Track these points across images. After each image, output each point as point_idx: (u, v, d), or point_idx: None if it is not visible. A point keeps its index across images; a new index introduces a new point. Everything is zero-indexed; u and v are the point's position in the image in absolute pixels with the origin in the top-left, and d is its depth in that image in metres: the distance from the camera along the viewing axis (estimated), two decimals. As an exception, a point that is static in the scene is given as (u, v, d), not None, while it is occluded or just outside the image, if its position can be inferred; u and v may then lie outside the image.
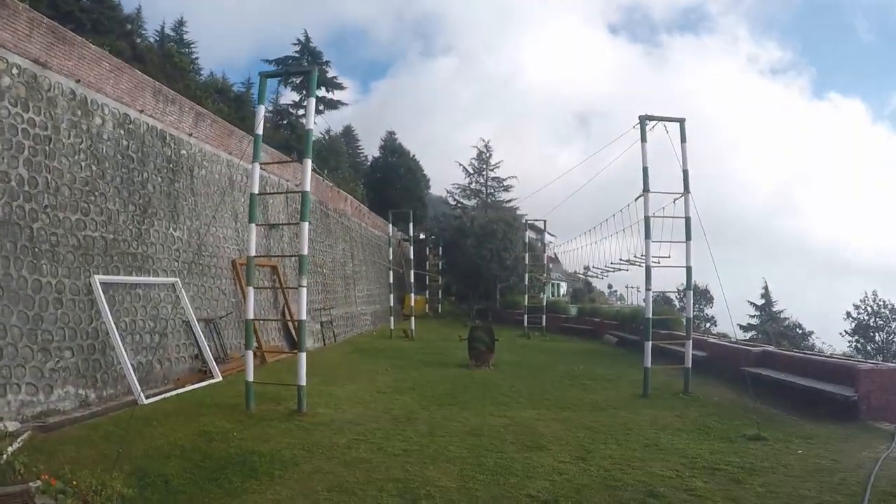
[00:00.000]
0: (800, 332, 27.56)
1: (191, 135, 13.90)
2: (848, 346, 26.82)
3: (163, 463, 6.43)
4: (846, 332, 27.88)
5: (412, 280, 25.10)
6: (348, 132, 58.00)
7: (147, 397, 9.76)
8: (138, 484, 5.72)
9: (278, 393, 9.86)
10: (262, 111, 10.02)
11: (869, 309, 27.66)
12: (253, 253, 9.80)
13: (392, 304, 24.97)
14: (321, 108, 41.64)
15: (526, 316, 27.34)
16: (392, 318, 24.71)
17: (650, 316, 11.36)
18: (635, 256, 13.32)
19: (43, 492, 4.93)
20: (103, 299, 9.79)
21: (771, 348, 12.55)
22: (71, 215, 9.57)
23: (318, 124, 47.06)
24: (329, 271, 23.67)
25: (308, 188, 9.73)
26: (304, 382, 9.17)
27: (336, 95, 41.58)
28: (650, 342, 11.25)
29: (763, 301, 37.64)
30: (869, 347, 26.88)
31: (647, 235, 11.22)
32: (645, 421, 9.00)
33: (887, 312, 27.17)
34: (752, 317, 37.29)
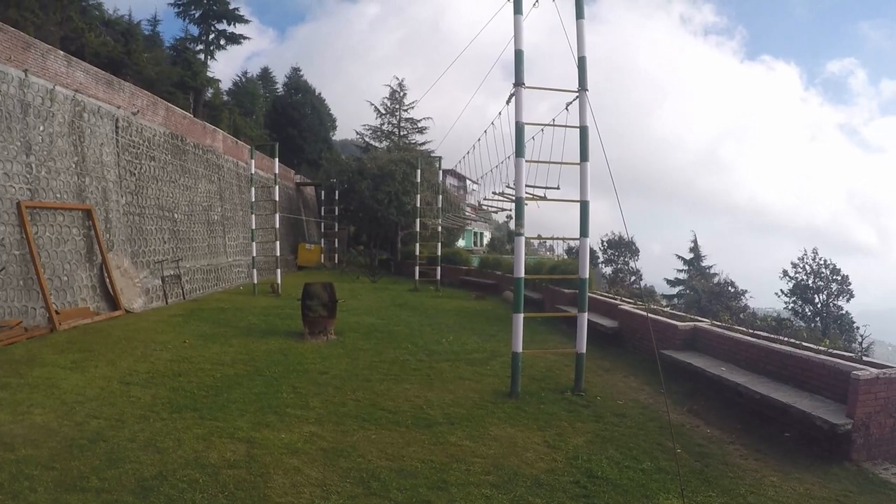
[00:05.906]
0: (732, 290, 24.63)
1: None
2: (785, 307, 24.51)
3: None
4: (783, 291, 25.38)
5: (277, 226, 20.52)
6: (266, 75, 52.02)
7: None
8: None
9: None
10: None
11: (808, 268, 24.92)
12: None
13: (255, 255, 20.48)
14: (222, 42, 36.88)
15: (417, 268, 23.54)
16: (255, 272, 20.29)
17: (521, 275, 7.40)
18: (508, 187, 9.31)
19: None
20: None
21: (705, 324, 8.75)
22: None
23: (218, 61, 41.57)
24: (185, 216, 19.09)
25: None
26: None
27: (238, 29, 36.86)
28: (521, 314, 7.38)
29: (692, 255, 35.04)
30: (807, 310, 24.42)
31: (520, 152, 7.13)
32: (485, 458, 5.18)
33: (827, 273, 24.40)
34: (680, 271, 34.77)
